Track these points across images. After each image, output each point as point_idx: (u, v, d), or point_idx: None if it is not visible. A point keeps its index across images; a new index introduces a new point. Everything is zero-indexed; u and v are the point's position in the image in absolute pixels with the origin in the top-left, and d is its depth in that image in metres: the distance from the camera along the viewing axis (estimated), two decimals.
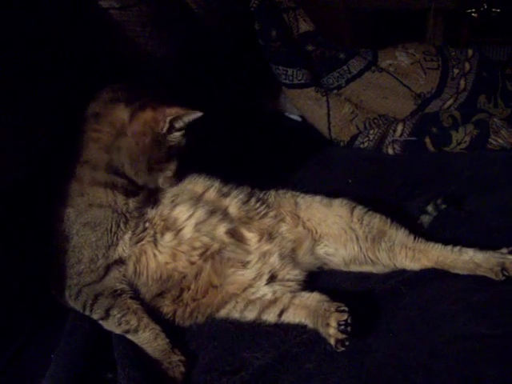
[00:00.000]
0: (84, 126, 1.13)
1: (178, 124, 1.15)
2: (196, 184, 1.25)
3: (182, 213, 1.18)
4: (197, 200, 1.21)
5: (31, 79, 1.14)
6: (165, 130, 1.13)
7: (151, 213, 1.17)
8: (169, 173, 1.19)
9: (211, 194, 1.24)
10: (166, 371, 1.03)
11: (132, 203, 1.14)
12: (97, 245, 1.09)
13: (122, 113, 1.12)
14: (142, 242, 1.14)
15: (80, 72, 1.31)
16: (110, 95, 1.15)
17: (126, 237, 1.12)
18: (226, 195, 1.26)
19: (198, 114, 1.14)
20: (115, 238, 1.11)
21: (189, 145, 1.20)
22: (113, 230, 1.10)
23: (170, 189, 1.22)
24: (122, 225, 1.11)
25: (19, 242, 1.15)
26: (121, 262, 1.12)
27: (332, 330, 1.00)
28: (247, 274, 1.19)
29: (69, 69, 1.27)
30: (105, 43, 1.45)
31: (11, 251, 1.15)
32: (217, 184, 1.26)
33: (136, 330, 1.06)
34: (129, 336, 1.07)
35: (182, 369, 1.03)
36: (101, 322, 1.09)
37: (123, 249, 1.12)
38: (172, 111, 1.13)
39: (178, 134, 1.16)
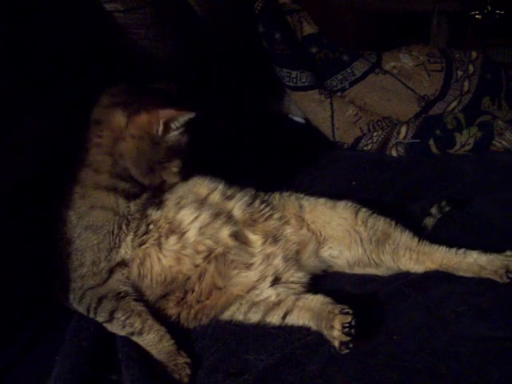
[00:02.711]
0: (87, 132, 1.13)
1: (174, 124, 1.14)
2: (201, 186, 1.24)
3: (186, 216, 1.17)
4: (201, 203, 1.21)
5: (34, 83, 1.14)
6: (160, 132, 1.13)
7: (156, 214, 1.16)
8: (174, 169, 1.19)
9: (215, 197, 1.24)
10: (171, 373, 1.02)
11: (133, 206, 1.14)
12: (99, 247, 1.09)
13: (119, 118, 1.12)
14: (146, 245, 1.13)
15: (83, 75, 1.31)
16: (109, 100, 1.15)
17: (128, 238, 1.12)
18: (230, 198, 1.25)
19: (192, 114, 1.13)
20: (117, 241, 1.10)
21: (192, 142, 1.20)
22: (115, 232, 1.10)
23: (175, 191, 1.21)
24: (123, 227, 1.11)
25: (22, 244, 1.15)
26: (124, 264, 1.12)
27: (336, 333, 1.00)
28: (251, 276, 1.18)
29: (72, 72, 1.28)
30: (109, 46, 1.46)
31: (14, 253, 1.15)
32: (221, 186, 1.26)
33: (140, 333, 1.06)
34: (134, 338, 1.07)
35: (188, 371, 1.03)
36: (105, 324, 1.09)
37: (126, 251, 1.11)
38: (165, 113, 1.12)
39: (175, 133, 1.15)
